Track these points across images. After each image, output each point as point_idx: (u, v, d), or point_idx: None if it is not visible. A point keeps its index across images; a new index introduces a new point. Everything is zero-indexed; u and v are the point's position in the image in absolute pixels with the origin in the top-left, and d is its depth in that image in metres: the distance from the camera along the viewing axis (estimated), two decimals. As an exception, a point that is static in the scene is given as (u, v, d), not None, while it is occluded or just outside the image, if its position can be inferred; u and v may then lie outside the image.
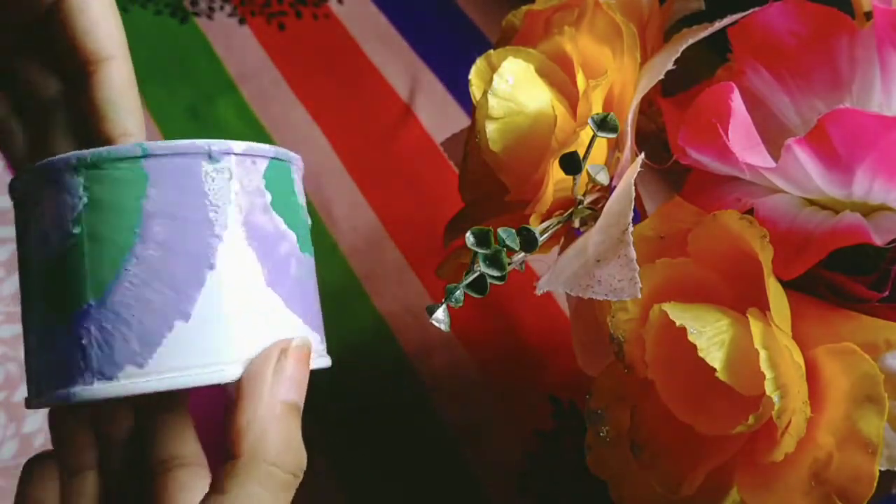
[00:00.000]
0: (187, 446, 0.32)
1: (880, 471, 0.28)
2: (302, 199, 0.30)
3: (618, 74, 0.35)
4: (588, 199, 0.35)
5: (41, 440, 0.47)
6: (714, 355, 0.29)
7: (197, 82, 0.66)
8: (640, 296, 0.29)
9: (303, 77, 0.66)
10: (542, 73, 0.36)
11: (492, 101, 0.34)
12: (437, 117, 0.65)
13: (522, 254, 0.31)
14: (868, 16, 0.33)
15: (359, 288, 0.56)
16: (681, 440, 0.32)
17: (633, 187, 0.32)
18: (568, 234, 0.37)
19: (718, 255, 0.32)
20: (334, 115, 0.65)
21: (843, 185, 0.30)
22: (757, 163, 0.31)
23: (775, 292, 0.30)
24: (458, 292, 0.30)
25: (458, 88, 0.68)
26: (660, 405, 0.32)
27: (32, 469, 0.30)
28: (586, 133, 0.32)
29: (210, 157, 0.26)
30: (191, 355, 0.26)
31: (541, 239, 0.32)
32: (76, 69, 0.28)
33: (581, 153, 0.32)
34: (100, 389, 0.26)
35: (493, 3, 0.74)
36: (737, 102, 0.31)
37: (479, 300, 0.30)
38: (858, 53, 0.33)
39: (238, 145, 0.27)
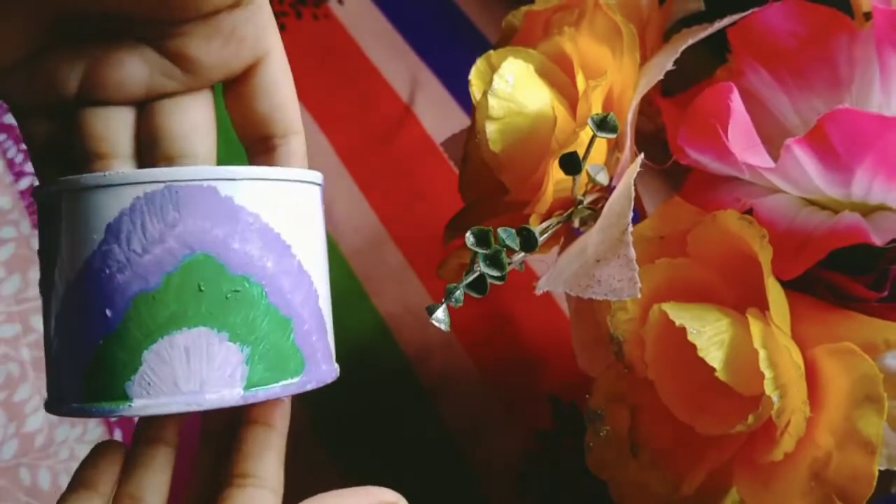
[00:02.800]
0: (268, 467, 0.31)
1: (879, 470, 0.28)
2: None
3: (617, 75, 0.35)
4: (588, 199, 0.35)
5: (41, 440, 0.47)
6: (713, 355, 0.30)
7: (197, 82, 0.66)
8: (639, 296, 0.29)
9: (303, 77, 0.66)
10: (542, 73, 0.36)
11: (492, 101, 0.34)
12: (437, 117, 0.65)
13: (522, 254, 0.31)
14: (867, 16, 0.33)
15: (359, 288, 0.56)
16: (680, 440, 0.32)
17: (633, 187, 0.32)
18: (568, 234, 0.37)
19: (718, 255, 0.32)
20: (334, 115, 0.65)
21: (843, 184, 0.30)
22: (756, 163, 0.31)
23: (775, 292, 0.30)
24: (458, 292, 0.30)
25: (458, 88, 0.68)
26: (659, 405, 0.32)
27: (96, 451, 0.29)
28: (586, 133, 0.32)
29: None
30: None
31: (541, 239, 0.32)
32: (263, 139, 0.29)
33: (581, 153, 0.32)
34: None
35: (493, 3, 0.74)
36: (736, 102, 0.31)
37: (479, 300, 0.30)
38: (858, 53, 0.33)
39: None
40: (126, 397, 0.26)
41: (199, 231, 0.26)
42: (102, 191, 0.25)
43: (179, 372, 0.26)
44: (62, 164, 0.28)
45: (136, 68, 0.26)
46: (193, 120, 0.27)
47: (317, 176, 0.29)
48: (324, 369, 0.30)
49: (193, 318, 0.26)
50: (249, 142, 0.29)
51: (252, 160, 0.30)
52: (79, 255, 0.26)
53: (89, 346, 0.26)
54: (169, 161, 0.27)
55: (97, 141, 0.27)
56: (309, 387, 0.29)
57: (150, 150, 0.27)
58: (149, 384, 0.26)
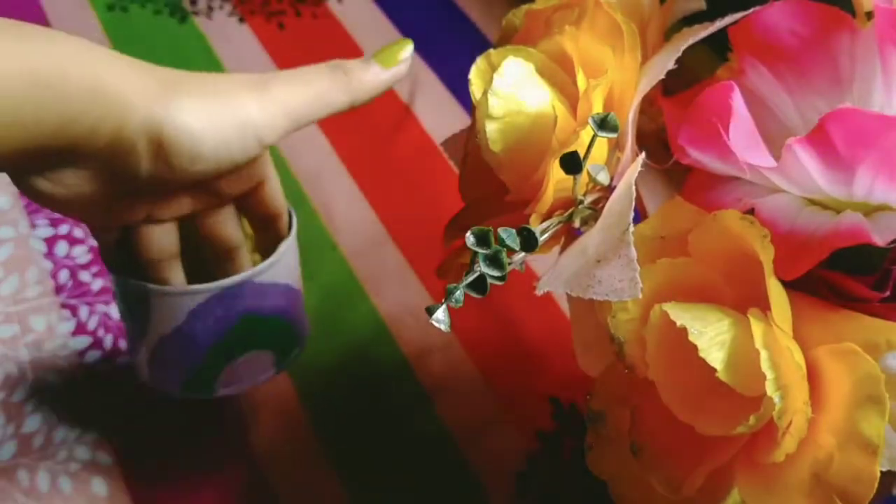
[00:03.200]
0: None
1: (881, 471, 0.28)
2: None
3: (618, 74, 0.35)
4: (588, 199, 0.34)
5: (40, 441, 0.47)
6: (715, 355, 0.29)
7: (196, 82, 0.66)
8: (640, 296, 0.29)
9: (302, 77, 0.66)
10: (542, 72, 0.35)
11: (492, 100, 0.34)
12: (437, 117, 0.65)
13: (522, 254, 0.31)
14: (869, 15, 0.33)
15: (359, 288, 0.56)
16: (681, 440, 0.32)
17: (634, 187, 0.32)
18: (568, 234, 0.37)
19: (719, 255, 0.32)
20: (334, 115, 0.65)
21: (844, 184, 0.30)
22: (758, 162, 0.31)
23: (776, 292, 0.30)
24: (458, 292, 0.30)
25: (458, 88, 0.68)
26: (660, 405, 0.32)
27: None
28: (587, 133, 0.32)
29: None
30: None
31: (541, 239, 0.31)
32: (263, 219, 0.40)
33: (581, 153, 0.32)
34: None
35: (493, 3, 0.74)
36: (737, 102, 0.31)
37: (479, 300, 0.30)
38: (859, 53, 0.33)
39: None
40: (212, 389, 0.43)
41: (246, 305, 0.40)
42: (184, 295, 0.39)
43: (243, 375, 0.43)
44: (126, 254, 0.38)
45: (185, 201, 0.36)
46: (230, 228, 0.39)
47: (294, 222, 0.42)
48: (306, 335, 0.46)
49: (248, 347, 0.42)
50: (253, 221, 0.40)
51: (255, 230, 0.41)
52: (168, 325, 0.40)
53: (186, 372, 0.42)
54: (222, 260, 0.40)
55: (156, 251, 0.37)
56: (301, 347, 0.45)
57: (203, 249, 0.39)
58: (226, 382, 0.42)
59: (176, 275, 0.39)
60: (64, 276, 0.53)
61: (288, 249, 0.41)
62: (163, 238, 0.37)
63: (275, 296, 0.41)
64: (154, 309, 0.40)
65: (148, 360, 0.42)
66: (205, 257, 0.40)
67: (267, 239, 0.41)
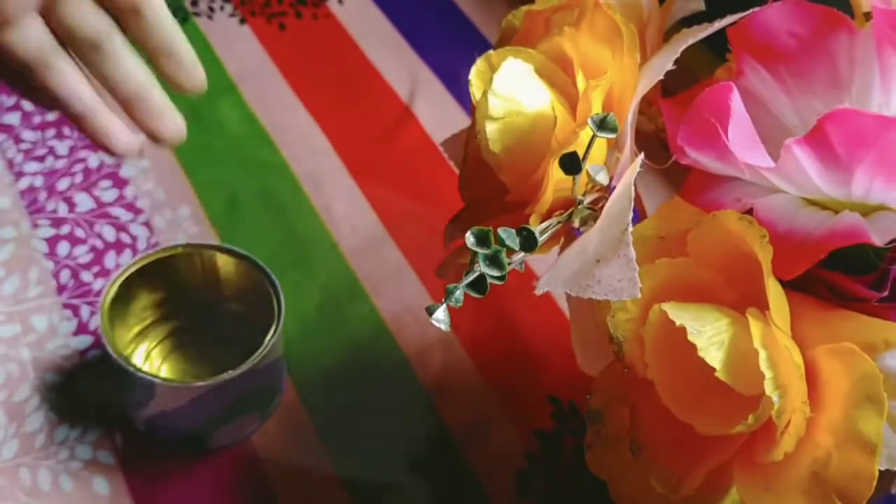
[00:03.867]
0: None
1: (879, 470, 0.28)
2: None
3: (618, 74, 0.35)
4: (588, 199, 0.35)
5: (41, 440, 0.47)
6: (713, 355, 0.30)
7: (197, 82, 0.66)
8: (639, 296, 0.29)
9: (303, 77, 0.66)
10: (542, 73, 0.36)
11: (492, 101, 0.34)
12: (437, 117, 0.65)
13: (522, 254, 0.31)
14: (867, 16, 0.33)
15: (359, 288, 0.56)
16: (680, 440, 0.32)
17: (633, 187, 0.32)
18: (568, 234, 0.37)
19: (718, 255, 0.32)
20: (334, 115, 0.65)
21: (843, 185, 0.30)
22: (756, 163, 0.31)
23: (775, 292, 0.30)
24: (458, 292, 0.30)
25: (458, 88, 0.68)
26: (659, 405, 0.32)
27: None
28: (586, 133, 0.32)
29: None
30: None
31: (541, 239, 0.32)
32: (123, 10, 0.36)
33: (581, 153, 0.32)
34: None
35: (493, 3, 0.74)
36: (736, 102, 0.31)
37: (479, 300, 0.30)
38: (858, 54, 0.33)
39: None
40: (205, 445, 0.48)
41: (240, 388, 0.45)
42: (188, 387, 0.44)
43: (235, 432, 0.48)
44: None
45: None
46: (90, 15, 0.35)
47: (281, 298, 0.46)
48: (284, 385, 0.51)
49: (243, 411, 0.47)
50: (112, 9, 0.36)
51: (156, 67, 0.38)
52: (170, 405, 0.45)
53: (182, 433, 0.47)
54: (88, 57, 0.35)
55: (34, 49, 0.34)
56: (281, 395, 0.50)
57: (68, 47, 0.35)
58: (218, 438, 0.47)
59: (69, 66, 0.34)
60: (65, 276, 0.53)
61: (277, 335, 0.45)
62: (30, 34, 0.33)
63: (268, 372, 0.46)
64: (157, 394, 0.44)
65: (146, 419, 0.47)
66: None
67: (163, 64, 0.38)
